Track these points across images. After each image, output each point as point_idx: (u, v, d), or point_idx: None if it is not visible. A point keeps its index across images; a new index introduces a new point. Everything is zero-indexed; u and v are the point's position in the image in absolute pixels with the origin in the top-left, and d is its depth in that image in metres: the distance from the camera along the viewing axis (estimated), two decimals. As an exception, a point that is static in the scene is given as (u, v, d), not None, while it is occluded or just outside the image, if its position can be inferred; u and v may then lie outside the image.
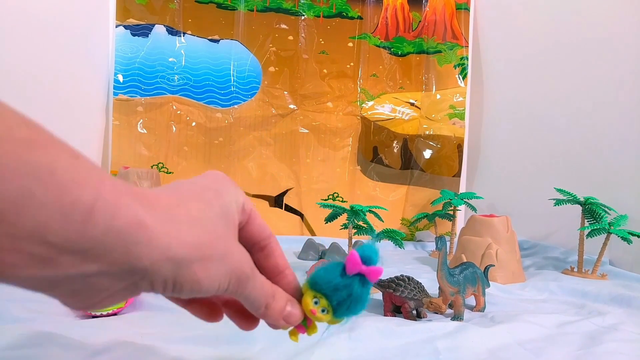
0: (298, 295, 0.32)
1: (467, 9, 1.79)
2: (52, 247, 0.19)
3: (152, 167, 1.57)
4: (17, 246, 0.18)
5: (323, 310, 0.30)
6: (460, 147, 1.77)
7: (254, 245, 0.31)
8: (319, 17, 1.73)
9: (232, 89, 1.66)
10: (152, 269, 0.22)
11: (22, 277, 0.19)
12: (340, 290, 0.30)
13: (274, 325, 0.31)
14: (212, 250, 0.25)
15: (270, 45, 1.69)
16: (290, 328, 0.32)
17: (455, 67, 1.77)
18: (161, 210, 0.23)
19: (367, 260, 0.30)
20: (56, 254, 0.19)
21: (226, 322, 0.70)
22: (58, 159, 0.19)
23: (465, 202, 1.46)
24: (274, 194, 1.69)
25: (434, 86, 1.79)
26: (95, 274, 0.21)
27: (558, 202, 1.19)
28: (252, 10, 1.68)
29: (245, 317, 0.33)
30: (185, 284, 0.24)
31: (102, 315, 0.65)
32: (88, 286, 0.22)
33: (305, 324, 0.31)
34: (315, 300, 0.30)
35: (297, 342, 0.32)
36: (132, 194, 0.22)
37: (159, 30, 1.61)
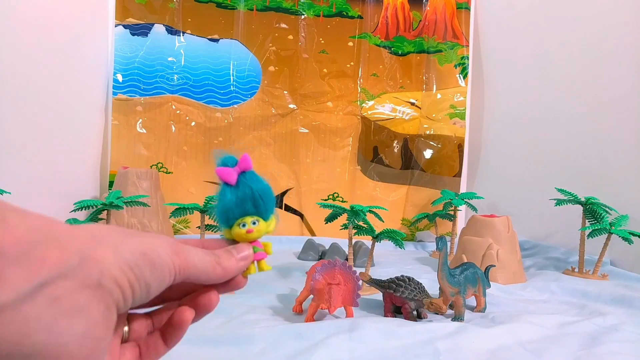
0: (229, 243, 0.32)
1: (468, 9, 1.79)
2: None
3: (151, 167, 1.56)
4: None
5: (254, 223, 0.31)
6: (460, 147, 1.76)
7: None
8: (319, 16, 1.72)
9: (232, 88, 1.66)
10: (97, 255, 0.21)
11: None
12: (243, 199, 0.30)
13: (237, 279, 0.30)
14: (131, 232, 0.24)
15: (270, 44, 1.69)
16: (255, 265, 0.32)
17: (455, 66, 1.77)
18: (59, 222, 0.21)
19: (229, 162, 0.31)
20: (1, 267, 0.17)
21: (227, 323, 0.70)
22: None
23: (465, 202, 1.46)
24: (274, 193, 1.68)
25: (434, 86, 1.78)
26: (50, 280, 0.19)
27: (559, 202, 1.19)
28: (252, 10, 1.68)
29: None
30: (138, 261, 0.22)
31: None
32: (55, 305, 0.19)
33: (258, 249, 0.32)
34: (241, 224, 0.30)
35: (270, 269, 0.32)
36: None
37: (159, 29, 1.61)
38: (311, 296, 0.75)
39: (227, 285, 0.30)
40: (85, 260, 0.20)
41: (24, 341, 0.18)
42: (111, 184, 1.49)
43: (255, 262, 0.32)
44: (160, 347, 0.28)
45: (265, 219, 0.31)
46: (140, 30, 1.59)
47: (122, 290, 0.22)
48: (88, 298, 0.20)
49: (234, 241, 0.31)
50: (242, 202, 0.30)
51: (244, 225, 0.30)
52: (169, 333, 0.28)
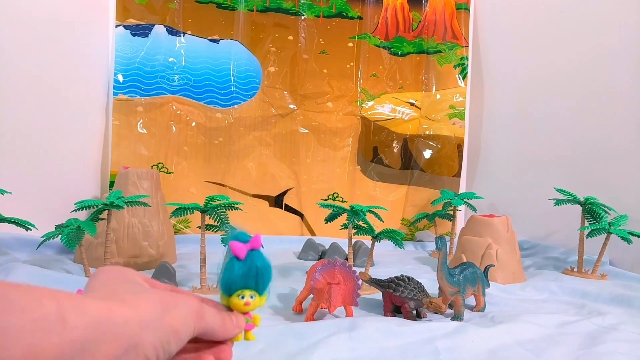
0: (226, 309, 0.36)
1: (467, 9, 1.79)
2: None
3: (152, 167, 1.57)
4: None
5: (252, 297, 0.35)
6: (460, 147, 1.77)
7: None
8: (319, 17, 1.73)
9: (232, 89, 1.66)
10: (140, 340, 0.25)
11: None
12: (248, 274, 0.34)
13: (230, 339, 0.36)
14: (167, 302, 0.29)
15: (270, 45, 1.69)
16: (242, 334, 0.36)
17: (455, 67, 1.77)
18: (113, 296, 0.27)
19: (243, 239, 0.35)
20: None
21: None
22: (9, 290, 0.21)
23: (465, 202, 1.46)
24: (274, 194, 1.69)
25: (434, 86, 1.79)
26: None
27: (558, 202, 1.19)
28: (252, 10, 1.68)
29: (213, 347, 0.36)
30: (169, 338, 0.28)
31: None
32: None
33: (248, 320, 0.36)
34: (240, 296, 0.34)
35: (255, 339, 0.37)
36: (85, 295, 0.25)
37: (159, 30, 1.61)
38: (311, 296, 0.75)
39: (215, 348, 0.35)
40: (130, 347, 0.25)
41: None
42: (112, 184, 1.50)
43: (244, 331, 0.36)
44: None
45: (261, 294, 0.36)
46: (140, 30, 1.59)
47: None
48: None
49: (229, 308, 0.35)
50: (246, 276, 0.34)
51: (242, 297, 0.34)
52: None
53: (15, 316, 0.19)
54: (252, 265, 0.34)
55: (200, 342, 0.33)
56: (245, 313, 0.36)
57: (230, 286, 0.34)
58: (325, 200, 1.70)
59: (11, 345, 0.19)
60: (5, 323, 0.19)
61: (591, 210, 1.15)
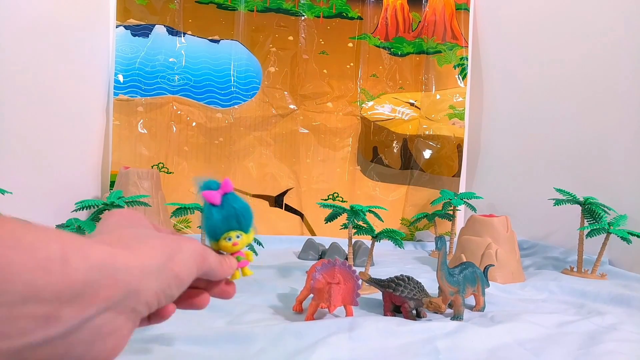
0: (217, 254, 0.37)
1: (467, 9, 1.79)
2: (49, 302, 0.21)
3: (152, 167, 1.57)
4: (18, 311, 0.20)
5: (238, 237, 0.36)
6: (459, 147, 1.77)
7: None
8: (319, 17, 1.73)
9: (232, 89, 1.67)
10: (141, 287, 0.25)
11: (36, 341, 0.21)
12: (228, 217, 0.35)
13: (225, 288, 0.36)
14: (171, 249, 0.29)
15: (270, 45, 1.70)
16: (239, 271, 0.37)
17: (455, 67, 1.77)
18: (118, 242, 0.27)
19: (214, 187, 0.35)
20: (55, 309, 0.21)
21: (227, 322, 0.71)
22: (16, 227, 0.21)
23: (464, 202, 1.46)
24: (274, 194, 1.69)
25: (433, 86, 1.79)
26: (96, 314, 0.23)
27: (558, 202, 1.19)
28: (252, 11, 1.68)
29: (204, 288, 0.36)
30: (171, 283, 0.28)
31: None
32: (95, 333, 0.24)
33: (241, 258, 0.37)
34: (227, 239, 0.35)
35: (252, 274, 0.38)
36: (91, 239, 0.25)
37: (159, 30, 1.62)
38: (311, 295, 0.75)
39: (218, 290, 0.36)
40: (129, 293, 0.25)
41: (65, 357, 0.23)
42: (112, 184, 1.50)
43: (240, 269, 0.37)
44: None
45: (247, 232, 0.36)
46: (141, 31, 1.60)
47: (149, 308, 0.27)
48: (122, 322, 0.25)
49: (220, 252, 0.36)
50: (227, 219, 0.35)
51: (229, 239, 0.35)
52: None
53: (19, 254, 0.20)
54: (230, 208, 0.35)
55: (200, 281, 0.34)
56: (235, 253, 0.36)
57: (214, 232, 0.35)
58: (325, 200, 1.70)
59: (12, 280, 0.20)
60: (9, 259, 0.20)
61: (591, 210, 1.15)
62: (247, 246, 0.37)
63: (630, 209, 1.16)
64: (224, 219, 0.35)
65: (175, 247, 0.29)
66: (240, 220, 0.35)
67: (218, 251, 0.36)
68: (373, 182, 1.76)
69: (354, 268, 0.73)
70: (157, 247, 0.28)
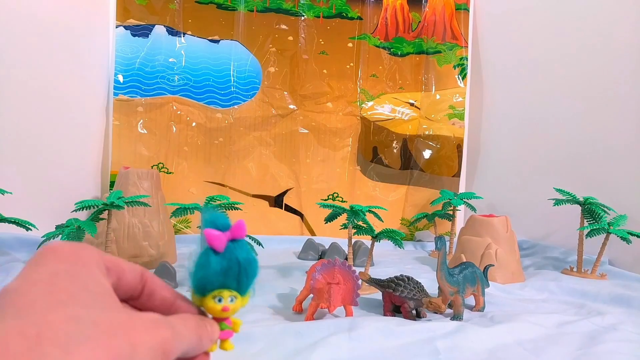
0: (199, 310, 0.29)
1: (467, 10, 1.79)
2: None
3: (152, 167, 1.57)
4: None
5: (231, 300, 0.28)
6: (459, 147, 1.77)
7: (132, 292, 0.27)
8: (319, 17, 1.73)
9: (232, 89, 1.67)
10: None
11: None
12: (227, 271, 0.27)
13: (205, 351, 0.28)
14: (118, 353, 0.21)
15: (270, 45, 1.70)
16: (217, 343, 0.29)
17: (454, 67, 1.77)
18: (46, 334, 0.19)
19: (221, 226, 0.27)
20: None
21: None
22: None
23: (464, 202, 1.46)
24: (274, 194, 1.69)
25: (433, 86, 1.79)
26: None
27: (557, 202, 1.19)
28: (252, 11, 1.68)
29: None
30: None
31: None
32: None
33: (226, 326, 0.29)
34: (217, 299, 0.27)
35: (232, 348, 0.30)
36: (3, 322, 0.19)
37: (159, 30, 1.62)
38: (311, 295, 0.75)
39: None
40: None
41: None
42: (112, 184, 1.50)
43: (219, 340, 0.28)
44: None
45: (243, 294, 0.28)
46: (141, 31, 1.60)
47: None
48: None
49: (201, 310, 0.28)
50: (225, 273, 0.27)
51: (220, 300, 0.27)
52: None
53: None
54: (233, 260, 0.27)
55: None
56: (222, 319, 0.28)
57: (204, 285, 0.27)
58: (325, 200, 1.70)
59: None
60: None
61: (590, 210, 1.15)
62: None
63: (630, 209, 1.16)
64: (221, 272, 0.27)
65: (125, 348, 0.21)
66: (241, 278, 0.27)
67: (199, 307, 0.28)
68: (373, 182, 1.76)
69: (353, 268, 0.73)
70: (98, 352, 0.19)
